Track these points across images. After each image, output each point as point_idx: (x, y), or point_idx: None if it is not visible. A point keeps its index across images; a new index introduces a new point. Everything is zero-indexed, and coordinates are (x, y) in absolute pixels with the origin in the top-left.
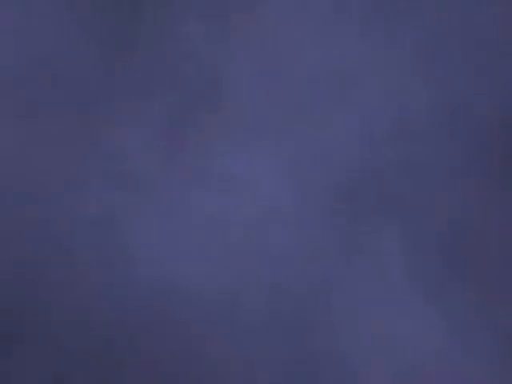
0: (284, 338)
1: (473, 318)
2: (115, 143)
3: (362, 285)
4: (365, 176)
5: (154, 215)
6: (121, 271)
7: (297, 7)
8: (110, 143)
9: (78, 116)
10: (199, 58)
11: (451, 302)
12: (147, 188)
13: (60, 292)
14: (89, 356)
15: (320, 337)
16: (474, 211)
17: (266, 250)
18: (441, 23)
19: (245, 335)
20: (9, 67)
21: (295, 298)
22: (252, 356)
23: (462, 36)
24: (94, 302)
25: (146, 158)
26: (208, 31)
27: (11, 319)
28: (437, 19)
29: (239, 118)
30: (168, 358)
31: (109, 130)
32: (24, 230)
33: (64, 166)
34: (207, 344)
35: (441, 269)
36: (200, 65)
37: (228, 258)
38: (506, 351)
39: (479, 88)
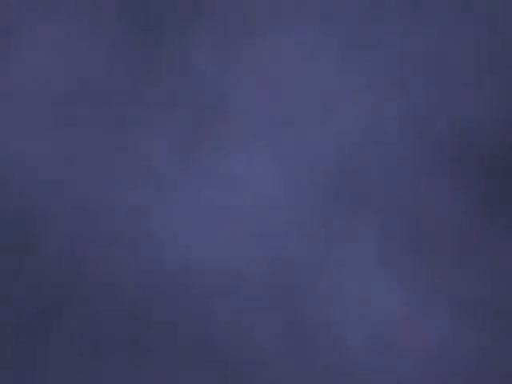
0: (280, 307)
1: (432, 289)
2: (144, 148)
3: (343, 264)
4: (346, 176)
5: (175, 207)
6: (148, 252)
7: (289, 38)
8: (139, 149)
9: (113, 126)
10: (209, 78)
11: (414, 277)
12: (170, 184)
13: (97, 268)
14: (121, 322)
15: (309, 305)
16: (433, 205)
17: (267, 237)
18: (408, 51)
19: (248, 303)
20: (54, 85)
21: (290, 275)
22: (253, 320)
23: (424, 61)
24: (126, 277)
25: (168, 159)
26: (216, 56)
27: (55, 290)
28: (403, 48)
29: (243, 127)
30: (185, 322)
31: (137, 137)
32: (68, 217)
33: (103, 167)
34: (217, 310)
35: (406, 251)
36: (209, 83)
37: (235, 242)
38: (460, 315)
39: (440, 104)
